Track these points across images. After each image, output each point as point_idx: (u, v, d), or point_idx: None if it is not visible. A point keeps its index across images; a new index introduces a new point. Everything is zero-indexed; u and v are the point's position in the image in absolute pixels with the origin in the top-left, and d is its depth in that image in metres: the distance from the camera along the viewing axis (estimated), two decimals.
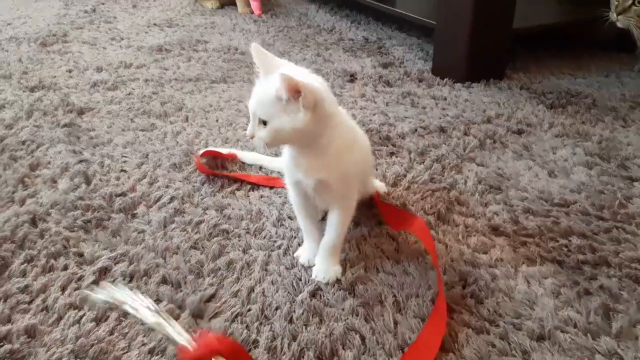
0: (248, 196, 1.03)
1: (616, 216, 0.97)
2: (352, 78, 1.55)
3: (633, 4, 1.42)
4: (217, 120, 1.31)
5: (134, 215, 0.97)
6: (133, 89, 1.47)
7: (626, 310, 0.76)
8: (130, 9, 2.19)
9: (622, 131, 1.27)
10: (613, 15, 1.46)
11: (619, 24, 1.47)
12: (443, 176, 1.09)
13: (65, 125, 1.27)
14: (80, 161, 1.13)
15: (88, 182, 1.06)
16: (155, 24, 2.01)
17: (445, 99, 1.43)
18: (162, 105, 1.38)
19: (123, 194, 1.02)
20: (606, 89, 1.48)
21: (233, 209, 0.99)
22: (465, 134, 1.25)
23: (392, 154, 1.17)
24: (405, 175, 1.09)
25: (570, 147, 1.20)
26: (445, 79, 1.52)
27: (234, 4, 2.18)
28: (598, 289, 0.80)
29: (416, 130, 1.27)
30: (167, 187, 1.05)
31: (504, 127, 1.27)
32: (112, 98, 1.41)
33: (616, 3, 1.45)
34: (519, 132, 1.26)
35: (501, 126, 1.28)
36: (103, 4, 2.25)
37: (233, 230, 0.93)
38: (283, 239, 0.91)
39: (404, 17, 1.73)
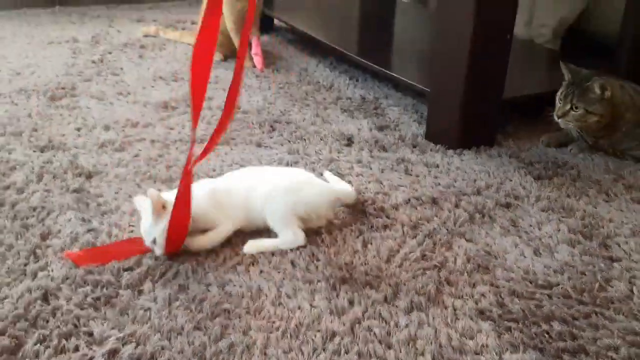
0: (248, 271, 1.08)
1: (595, 300, 1.03)
2: (349, 142, 1.62)
3: (571, 109, 1.52)
4: None
5: (140, 292, 1.02)
6: (140, 149, 1.54)
7: None
8: (136, 59, 2.26)
9: (605, 206, 1.34)
10: (555, 116, 1.56)
11: (561, 125, 1.56)
12: (434, 253, 1.15)
13: (74, 191, 1.32)
14: (89, 230, 1.19)
15: None
16: (161, 77, 2.08)
17: (438, 166, 1.50)
18: (168, 169, 1.44)
19: (130, 269, 1.08)
20: (590, 159, 1.55)
21: (234, 285, 1.04)
22: (456, 205, 1.32)
23: (386, 226, 1.23)
24: (398, 251, 1.15)
25: (555, 222, 1.26)
26: (438, 146, 1.59)
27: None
28: None
29: (409, 200, 1.33)
30: (172, 260, 1.11)
31: (493, 199, 1.34)
32: (120, 160, 1.48)
33: (558, 106, 1.54)
34: (507, 206, 1.32)
35: (490, 198, 1.35)
36: (110, 53, 2.33)
37: (234, 310, 0.98)
38: (281, 319, 0.97)
39: (399, 82, 1.80)
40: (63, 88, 1.94)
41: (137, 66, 2.19)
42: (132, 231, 1.20)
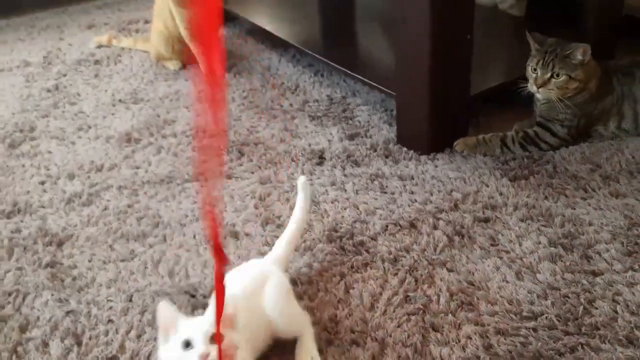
0: None
1: (581, 328, 1.04)
2: (321, 160, 1.58)
3: (552, 76, 1.46)
4: (194, 237, 1.35)
5: None
6: (108, 201, 1.50)
7: None
8: (92, 80, 2.17)
9: (583, 205, 1.33)
10: (533, 88, 1.51)
11: (539, 96, 1.52)
12: (417, 292, 1.14)
13: (47, 265, 1.29)
14: (68, 313, 1.17)
15: (79, 342, 1.10)
16: (120, 100, 2.00)
17: (413, 178, 1.47)
18: (139, 222, 1.40)
19: (114, 358, 1.06)
20: (565, 148, 1.53)
21: None
22: (435, 227, 1.30)
23: (366, 264, 1.22)
24: (381, 294, 1.14)
25: (534, 234, 1.25)
26: (411, 152, 1.56)
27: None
28: None
29: (387, 227, 1.31)
30: (155, 339, 1.09)
31: (471, 214, 1.32)
32: (89, 217, 1.44)
33: (534, 76, 1.49)
34: (486, 221, 1.31)
35: (468, 213, 1.33)
36: (65, 75, 2.23)
37: None
38: None
39: (365, 83, 1.75)
40: (21, 130, 1.86)
41: (94, 89, 2.11)
42: (110, 307, 1.18)
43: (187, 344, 0.87)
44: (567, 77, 1.47)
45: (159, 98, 2.01)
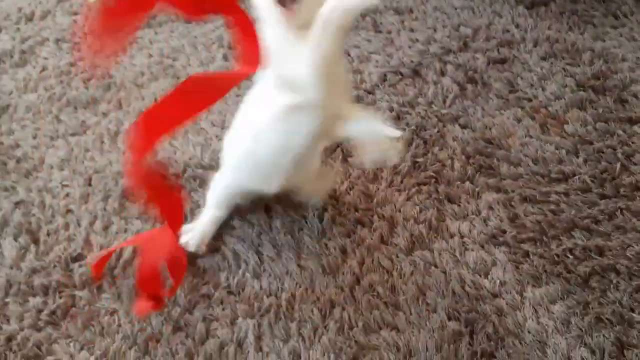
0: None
1: (619, 190, 0.90)
2: None
3: None
4: (155, 99, 1.12)
5: (99, 289, 0.87)
6: (46, 58, 1.24)
7: None
8: None
9: (614, 35, 1.13)
10: None
11: None
12: (427, 157, 0.97)
13: None
14: (17, 204, 0.99)
15: (35, 239, 0.93)
16: None
17: (411, 11, 1.23)
18: (86, 85, 1.17)
19: (79, 257, 0.91)
20: None
21: (205, 258, 0.89)
22: (442, 73, 1.10)
23: None
24: (385, 162, 0.98)
25: (560, 75, 1.07)
26: None
27: None
28: (610, 315, 0.77)
29: (386, 77, 1.10)
30: (125, 230, 0.93)
31: (484, 54, 1.12)
32: (26, 81, 1.19)
33: None
34: (502, 61, 1.11)
35: (481, 53, 1.12)
36: None
37: (214, 295, 0.84)
38: (269, 295, 0.84)
39: None
40: None
41: None
42: (67, 194, 0.99)
43: None
44: None
45: None
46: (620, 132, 0.97)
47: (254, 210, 0.93)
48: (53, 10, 1.36)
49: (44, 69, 1.22)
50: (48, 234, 0.94)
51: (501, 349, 0.75)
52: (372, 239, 0.88)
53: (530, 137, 0.98)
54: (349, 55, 1.16)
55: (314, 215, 0.90)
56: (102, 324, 0.83)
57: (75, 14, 1.34)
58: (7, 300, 0.86)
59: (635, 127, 0.98)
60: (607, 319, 0.77)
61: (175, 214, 0.76)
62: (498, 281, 0.82)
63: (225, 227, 0.92)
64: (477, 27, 1.17)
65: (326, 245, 0.88)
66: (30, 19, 1.34)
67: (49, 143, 1.08)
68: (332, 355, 0.76)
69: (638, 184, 0.90)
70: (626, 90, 1.03)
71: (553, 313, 0.78)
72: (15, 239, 0.94)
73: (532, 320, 0.77)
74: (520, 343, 0.75)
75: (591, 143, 0.96)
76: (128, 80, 1.17)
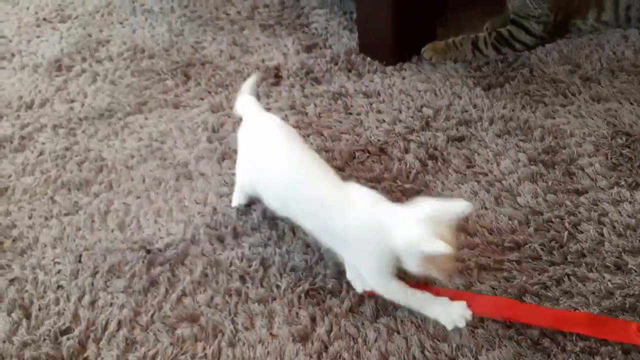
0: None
1: (566, 257, 0.97)
2: (277, 78, 1.43)
3: None
4: (143, 181, 1.22)
5: None
6: (43, 144, 1.34)
7: None
8: None
9: (564, 114, 1.23)
10: None
11: None
12: None
13: None
14: (12, 281, 1.06)
15: (27, 314, 1.00)
16: (45, 19, 1.77)
17: (379, 94, 1.34)
18: (80, 168, 1.26)
19: (68, 330, 0.97)
20: (541, 47, 1.40)
21: (184, 327, 0.95)
22: (406, 150, 1.20)
23: None
24: None
25: (513, 151, 1.16)
26: (375, 63, 1.42)
27: None
28: None
29: (355, 155, 1.20)
30: (110, 304, 1.00)
31: (444, 132, 1.22)
32: (24, 166, 1.29)
33: None
34: (460, 139, 1.20)
35: (441, 131, 1.22)
36: None
37: None
38: None
39: None
40: None
41: (13, 7, 1.86)
42: (58, 271, 1.07)
43: None
44: None
45: (88, 13, 1.78)
46: (568, 202, 1.06)
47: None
48: (51, 98, 1.47)
49: (41, 153, 1.32)
50: (39, 309, 1.01)
51: None
52: (340, 308, 0.95)
53: (486, 208, 1.07)
54: (321, 135, 1.26)
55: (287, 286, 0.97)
56: None
57: (72, 101, 1.45)
58: None
59: (582, 198, 1.06)
60: None
61: None
62: (454, 345, 0.88)
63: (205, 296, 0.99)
64: (439, 108, 1.28)
65: (297, 314, 0.95)
66: (29, 106, 1.46)
67: (44, 223, 1.16)
68: None
69: (584, 251, 0.98)
70: (573, 164, 1.12)
71: None
72: (9, 314, 1.01)
73: None
74: None
75: (541, 213, 1.04)
76: (119, 163, 1.26)
